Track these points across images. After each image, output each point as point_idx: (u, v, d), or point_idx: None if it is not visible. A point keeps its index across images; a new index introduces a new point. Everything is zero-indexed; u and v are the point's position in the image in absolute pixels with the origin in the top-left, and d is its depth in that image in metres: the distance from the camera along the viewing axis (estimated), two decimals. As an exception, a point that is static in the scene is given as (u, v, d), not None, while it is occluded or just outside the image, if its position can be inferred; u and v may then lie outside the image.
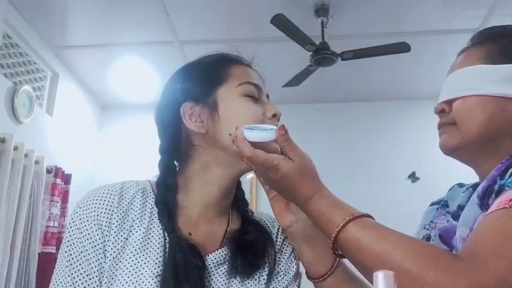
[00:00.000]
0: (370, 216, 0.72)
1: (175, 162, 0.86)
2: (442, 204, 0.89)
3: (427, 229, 0.88)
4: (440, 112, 0.85)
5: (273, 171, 0.74)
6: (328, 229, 0.71)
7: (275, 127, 0.75)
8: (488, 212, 0.67)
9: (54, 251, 3.13)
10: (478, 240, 0.64)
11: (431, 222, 0.89)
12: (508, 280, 0.58)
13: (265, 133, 0.74)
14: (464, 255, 0.63)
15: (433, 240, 0.84)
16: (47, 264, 3.05)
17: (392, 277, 0.41)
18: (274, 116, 0.83)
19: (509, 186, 0.67)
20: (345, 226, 0.69)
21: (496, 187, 0.69)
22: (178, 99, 0.83)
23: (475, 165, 0.84)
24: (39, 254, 3.00)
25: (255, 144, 0.74)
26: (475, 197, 0.75)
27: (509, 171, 0.69)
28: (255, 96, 0.83)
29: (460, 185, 0.91)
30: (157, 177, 0.84)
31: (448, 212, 0.86)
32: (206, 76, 0.84)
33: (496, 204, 0.66)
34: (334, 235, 0.70)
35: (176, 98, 0.84)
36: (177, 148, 0.84)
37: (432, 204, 0.95)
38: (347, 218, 0.69)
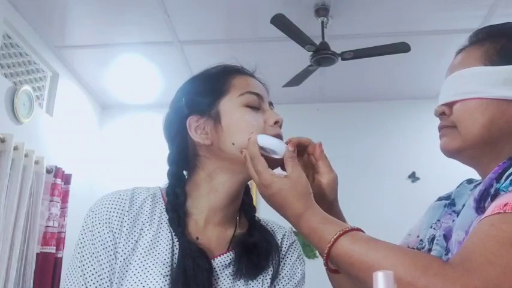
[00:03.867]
0: (361, 230, 0.73)
1: (183, 171, 0.89)
2: (449, 203, 0.88)
3: (434, 228, 0.87)
4: (441, 114, 0.85)
5: (266, 188, 0.78)
6: (320, 246, 0.73)
7: (286, 144, 0.81)
8: (483, 216, 0.67)
9: (53, 251, 3.13)
10: (470, 246, 0.64)
11: (438, 221, 0.88)
12: (499, 286, 0.57)
13: (277, 141, 0.81)
14: (456, 261, 0.63)
15: (437, 240, 0.83)
16: (45, 264, 3.05)
17: (392, 277, 0.41)
18: (276, 123, 0.86)
19: (504, 191, 0.66)
20: (336, 241, 0.70)
21: (492, 191, 0.69)
22: (184, 113, 0.86)
23: (477, 167, 0.84)
24: (37, 254, 3.00)
25: (263, 154, 0.80)
26: (471, 200, 0.75)
27: (505, 175, 0.69)
28: (256, 105, 0.85)
29: (469, 181, 0.89)
30: (167, 185, 0.87)
31: (454, 211, 0.86)
32: (209, 89, 0.87)
33: (491, 208, 0.66)
34: (326, 251, 0.71)
35: (182, 111, 0.87)
36: (184, 158, 0.88)
37: (440, 199, 0.94)
38: (337, 234, 0.71)
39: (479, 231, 0.65)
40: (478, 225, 0.67)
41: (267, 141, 0.80)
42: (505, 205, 0.64)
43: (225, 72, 0.89)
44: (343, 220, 0.94)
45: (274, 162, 0.82)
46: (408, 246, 0.95)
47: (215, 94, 0.86)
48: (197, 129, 0.85)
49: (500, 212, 0.63)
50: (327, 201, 0.87)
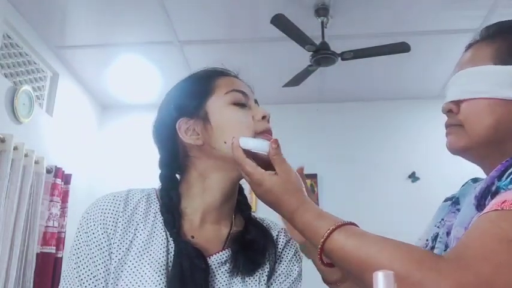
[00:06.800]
0: (355, 224, 0.73)
1: (176, 173, 0.90)
2: (453, 202, 0.89)
3: (438, 227, 0.87)
4: (448, 112, 0.84)
5: (258, 186, 0.79)
6: (314, 240, 0.73)
7: (268, 141, 0.81)
8: (481, 213, 0.67)
9: (53, 251, 3.14)
10: (466, 242, 0.64)
11: (442, 219, 0.88)
12: (492, 282, 0.57)
13: (258, 142, 0.81)
14: (451, 256, 0.63)
15: (440, 238, 0.83)
16: (45, 264, 3.05)
17: (392, 277, 0.41)
18: (263, 117, 0.87)
19: (503, 189, 0.66)
20: (329, 236, 0.71)
21: (493, 188, 0.69)
22: (173, 117, 0.87)
23: (483, 166, 0.84)
24: (37, 254, 3.00)
25: (249, 155, 0.80)
26: (472, 197, 0.75)
27: (507, 173, 0.69)
28: (243, 102, 0.87)
29: (474, 180, 0.89)
30: (160, 188, 0.88)
31: (458, 209, 0.85)
32: (195, 91, 0.89)
33: (490, 205, 0.66)
34: (320, 246, 0.71)
35: (171, 115, 0.88)
36: (175, 161, 0.89)
37: (446, 200, 0.94)
38: (331, 228, 0.71)
39: (476, 227, 0.65)
40: (476, 221, 0.67)
41: (249, 143, 0.81)
42: (503, 202, 0.64)
43: (209, 74, 0.91)
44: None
45: (264, 160, 0.82)
46: None
47: (201, 95, 0.87)
48: (187, 131, 0.86)
49: (498, 209, 0.63)
50: None
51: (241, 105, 0.86)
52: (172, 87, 0.94)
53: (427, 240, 0.90)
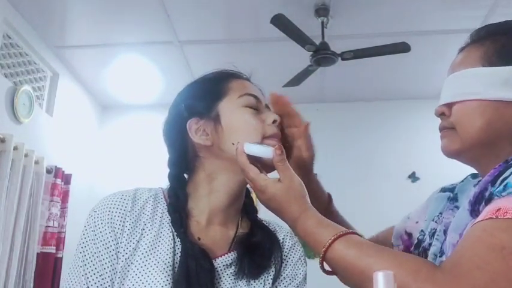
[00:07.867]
0: (355, 233, 0.74)
1: (184, 173, 0.91)
2: (452, 198, 0.89)
3: (436, 222, 0.88)
4: (441, 115, 0.85)
5: (261, 192, 0.80)
6: (316, 249, 0.74)
7: (272, 148, 0.81)
8: (476, 221, 0.67)
9: (53, 251, 3.14)
10: (461, 251, 0.65)
11: (440, 214, 0.88)
12: None
13: (262, 148, 0.81)
14: (446, 266, 0.64)
15: (437, 235, 0.84)
16: (45, 264, 3.05)
17: (392, 277, 0.41)
18: (273, 122, 0.87)
19: (497, 196, 0.66)
20: (331, 245, 0.72)
21: (487, 194, 0.69)
22: (184, 116, 0.88)
23: (477, 168, 0.84)
24: (38, 254, 3.00)
25: (253, 161, 0.81)
26: (466, 202, 0.75)
27: (500, 179, 0.68)
28: (255, 106, 0.87)
29: (474, 176, 0.89)
30: (168, 188, 0.88)
31: (456, 206, 0.86)
32: (208, 92, 0.89)
33: (484, 213, 0.66)
34: (321, 255, 0.72)
35: (181, 115, 0.88)
36: (184, 161, 0.89)
37: (444, 190, 0.94)
38: (332, 237, 0.72)
39: (471, 236, 0.66)
40: (470, 229, 0.67)
41: (253, 149, 0.81)
42: (497, 210, 0.64)
43: (222, 76, 0.91)
44: (323, 196, 1.04)
45: (269, 165, 0.83)
46: (406, 230, 0.97)
47: (214, 97, 0.87)
48: (197, 131, 0.86)
49: (493, 218, 0.63)
50: (304, 171, 0.94)
51: (253, 109, 0.87)
52: (184, 88, 0.94)
53: (422, 230, 0.91)
